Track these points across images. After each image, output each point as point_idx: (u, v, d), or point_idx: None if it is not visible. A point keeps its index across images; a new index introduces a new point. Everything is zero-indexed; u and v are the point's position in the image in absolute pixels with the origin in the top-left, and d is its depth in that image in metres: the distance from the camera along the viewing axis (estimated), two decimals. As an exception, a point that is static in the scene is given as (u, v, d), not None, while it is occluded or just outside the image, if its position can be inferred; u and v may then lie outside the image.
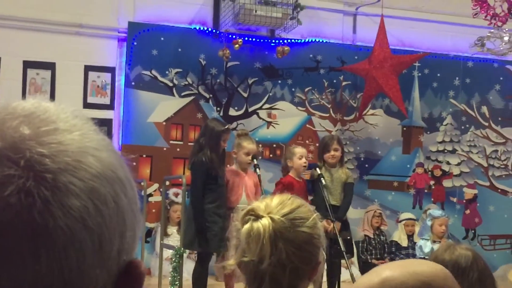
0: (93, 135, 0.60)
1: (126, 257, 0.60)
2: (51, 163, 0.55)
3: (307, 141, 8.15)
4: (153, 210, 7.43)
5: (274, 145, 8.07)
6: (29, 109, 0.58)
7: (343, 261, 5.78)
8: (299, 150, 6.11)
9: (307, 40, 8.20)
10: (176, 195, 7.31)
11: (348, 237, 5.79)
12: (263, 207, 1.67)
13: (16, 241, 0.52)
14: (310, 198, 6.06)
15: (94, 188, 0.56)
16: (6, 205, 0.52)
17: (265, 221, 1.62)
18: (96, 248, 0.56)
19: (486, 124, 8.91)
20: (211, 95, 7.86)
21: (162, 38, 7.65)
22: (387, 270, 1.27)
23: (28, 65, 7.32)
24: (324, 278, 5.73)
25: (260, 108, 8.07)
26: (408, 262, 1.38)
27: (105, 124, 7.45)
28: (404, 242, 7.86)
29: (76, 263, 0.54)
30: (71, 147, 0.57)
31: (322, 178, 5.85)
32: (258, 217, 1.64)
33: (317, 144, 6.69)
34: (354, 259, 7.68)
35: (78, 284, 0.55)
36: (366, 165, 8.45)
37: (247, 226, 1.64)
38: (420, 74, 8.68)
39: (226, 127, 5.80)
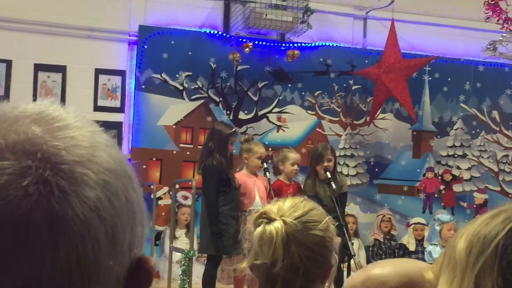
0: (101, 133, 0.63)
1: (136, 251, 0.62)
2: (67, 154, 0.56)
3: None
4: (162, 213, 7.43)
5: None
6: (39, 108, 0.61)
7: (352, 265, 5.77)
8: (293, 156, 6.07)
9: (317, 44, 8.20)
10: (185, 198, 7.31)
11: (344, 241, 5.75)
12: (276, 210, 1.67)
13: (36, 229, 0.54)
14: None
15: (106, 181, 0.58)
16: (25, 194, 0.54)
17: (277, 224, 1.62)
18: (110, 239, 0.57)
19: (497, 128, 8.87)
20: (221, 99, 7.87)
21: (172, 42, 7.66)
22: (377, 268, 1.30)
23: (39, 68, 7.35)
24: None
25: (270, 111, 8.07)
26: (400, 261, 1.40)
27: (115, 127, 7.46)
28: (412, 246, 7.84)
29: (92, 253, 0.56)
30: (84, 143, 0.59)
31: (332, 182, 5.82)
32: (270, 220, 1.64)
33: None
34: (364, 263, 7.66)
35: (94, 275, 0.56)
36: (376, 169, 8.43)
37: (259, 229, 1.64)
38: (430, 78, 8.66)
39: (233, 130, 5.81)
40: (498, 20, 7.09)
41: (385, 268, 1.31)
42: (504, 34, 7.05)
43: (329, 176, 5.87)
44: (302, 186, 6.21)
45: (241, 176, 5.86)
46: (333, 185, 5.79)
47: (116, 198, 0.58)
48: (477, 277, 0.91)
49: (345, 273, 5.88)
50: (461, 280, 0.92)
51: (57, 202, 0.54)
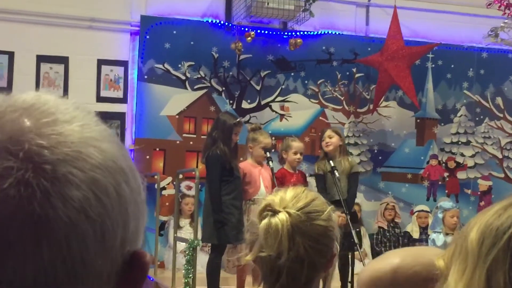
0: (94, 126, 0.60)
1: (130, 247, 0.60)
2: (50, 154, 0.55)
3: (320, 134, 8.12)
4: (167, 203, 7.45)
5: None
6: (29, 102, 0.59)
7: (356, 253, 5.79)
8: (296, 145, 6.09)
9: (319, 32, 8.17)
10: (189, 188, 7.32)
11: (358, 229, 5.78)
12: (278, 201, 1.66)
13: (18, 232, 0.53)
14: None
15: (95, 179, 0.56)
16: (6, 197, 0.53)
17: (282, 216, 1.62)
18: (98, 238, 0.56)
19: (501, 115, 8.85)
20: (223, 88, 7.86)
21: (174, 32, 7.65)
22: (397, 257, 1.28)
23: (41, 59, 7.35)
24: (336, 270, 5.73)
25: (273, 100, 8.06)
26: (417, 250, 1.39)
27: (118, 118, 7.47)
28: (416, 234, 7.84)
29: (79, 253, 0.55)
30: (71, 138, 0.57)
31: (335, 171, 5.83)
32: (275, 212, 1.64)
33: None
34: (368, 251, 7.68)
35: (81, 275, 0.55)
36: (380, 157, 8.43)
37: (265, 221, 1.64)
38: (433, 66, 8.63)
39: (237, 120, 5.81)
40: (499, 7, 7.05)
41: (407, 257, 1.29)
42: (506, 21, 7.02)
43: (332, 164, 5.88)
44: (306, 174, 6.28)
45: (246, 165, 5.87)
46: (336, 173, 5.80)
47: (105, 195, 0.56)
48: (489, 269, 0.90)
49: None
50: (473, 272, 0.91)
51: (39, 205, 0.53)
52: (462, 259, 0.93)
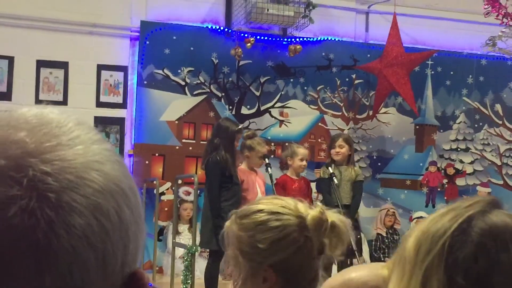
0: (96, 147, 0.59)
1: (129, 269, 0.60)
2: (54, 181, 0.54)
3: (319, 140, 8.14)
4: (165, 209, 7.45)
5: (286, 144, 8.05)
6: (31, 122, 0.58)
7: (354, 260, 5.79)
8: (302, 152, 6.14)
9: (319, 38, 8.19)
10: (187, 193, 7.33)
11: (358, 236, 5.80)
12: (303, 207, 1.68)
13: (20, 261, 0.53)
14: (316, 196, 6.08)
15: (97, 204, 0.56)
16: (10, 226, 0.52)
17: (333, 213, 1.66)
18: (100, 264, 0.56)
19: (500, 122, 8.85)
20: (223, 94, 7.87)
21: (174, 37, 7.66)
22: (353, 272, 1.34)
23: (41, 64, 7.36)
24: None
25: (272, 106, 8.07)
26: (373, 264, 1.44)
27: (117, 123, 7.48)
28: (415, 241, 7.84)
29: (81, 280, 0.55)
30: (74, 163, 0.56)
31: (334, 177, 5.85)
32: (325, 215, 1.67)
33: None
34: (367, 257, 7.67)
35: None
36: (379, 164, 8.43)
37: (336, 220, 1.67)
38: (433, 72, 8.64)
39: (239, 127, 5.83)
40: (497, 16, 7.07)
41: (363, 271, 1.34)
42: (504, 30, 7.03)
43: (331, 171, 5.91)
44: (309, 181, 6.36)
45: (244, 171, 5.87)
46: (335, 180, 5.82)
47: (107, 220, 0.56)
48: (424, 276, 0.92)
49: None
50: (410, 278, 0.93)
51: (43, 234, 0.53)
52: (401, 267, 0.96)
